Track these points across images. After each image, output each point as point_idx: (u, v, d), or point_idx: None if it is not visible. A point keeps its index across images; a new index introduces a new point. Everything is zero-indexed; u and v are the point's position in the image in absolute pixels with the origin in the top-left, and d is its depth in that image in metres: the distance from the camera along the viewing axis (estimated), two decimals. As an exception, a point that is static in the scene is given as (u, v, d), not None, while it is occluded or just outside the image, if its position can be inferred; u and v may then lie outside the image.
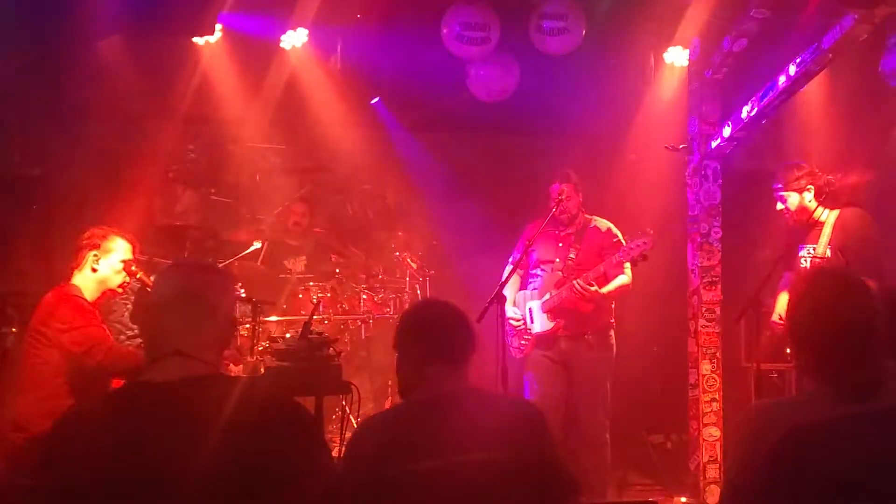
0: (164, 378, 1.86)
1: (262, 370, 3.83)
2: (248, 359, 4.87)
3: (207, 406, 1.81)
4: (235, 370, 4.35)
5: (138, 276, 4.18)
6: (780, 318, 5.16)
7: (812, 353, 2.08)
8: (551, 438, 2.48)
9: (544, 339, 5.29)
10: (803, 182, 4.91)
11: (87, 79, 6.27)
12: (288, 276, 6.70)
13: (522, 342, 5.37)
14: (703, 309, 5.86)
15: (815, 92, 5.91)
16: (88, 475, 1.73)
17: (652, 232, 4.91)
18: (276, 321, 5.93)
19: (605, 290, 5.19)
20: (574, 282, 5.10)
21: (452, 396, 2.45)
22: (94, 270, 4.09)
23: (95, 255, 4.09)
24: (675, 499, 5.68)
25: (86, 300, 4.01)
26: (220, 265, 6.06)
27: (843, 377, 2.01)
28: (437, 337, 2.55)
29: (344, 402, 5.12)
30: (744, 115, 5.43)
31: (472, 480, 2.28)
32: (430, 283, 7.07)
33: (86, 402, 1.98)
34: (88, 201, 6.22)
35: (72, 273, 4.10)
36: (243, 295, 5.82)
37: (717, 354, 5.86)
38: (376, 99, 7.49)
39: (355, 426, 5.61)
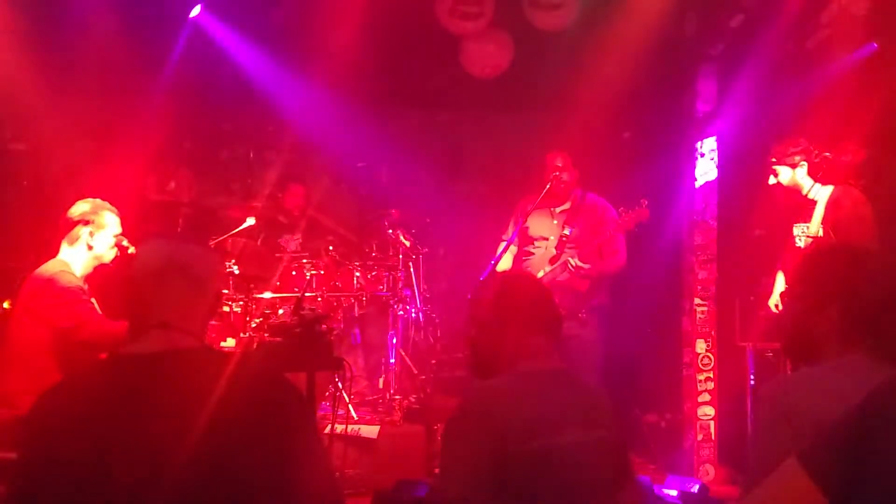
0: (149, 350, 1.82)
1: (255, 345, 3.82)
2: (241, 334, 4.85)
3: (195, 378, 1.77)
4: (228, 345, 4.33)
5: (130, 250, 4.13)
6: (776, 305, 5.14)
7: (862, 322, 2.10)
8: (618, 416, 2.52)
9: (538, 317, 5.26)
10: (797, 158, 4.91)
11: (77, 52, 6.21)
12: (282, 253, 6.67)
13: (516, 320, 5.33)
14: (699, 287, 5.85)
15: (814, 67, 5.86)
16: (71, 450, 1.69)
17: (646, 202, 4.89)
18: (270, 298, 5.90)
19: (599, 267, 5.16)
20: (568, 259, 5.07)
21: (559, 372, 2.46)
22: (90, 247, 4.03)
23: (90, 232, 4.03)
24: (669, 477, 5.68)
25: (74, 275, 3.97)
26: (214, 241, 6.04)
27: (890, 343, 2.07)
28: (544, 308, 2.53)
29: (337, 379, 5.11)
30: (740, 91, 5.39)
31: (593, 455, 2.32)
32: (423, 260, 7.05)
33: (69, 376, 1.93)
34: (80, 177, 6.18)
35: (60, 247, 4.04)
36: (237, 271, 5.80)
37: (712, 333, 5.86)
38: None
39: (346, 399, 5.66)
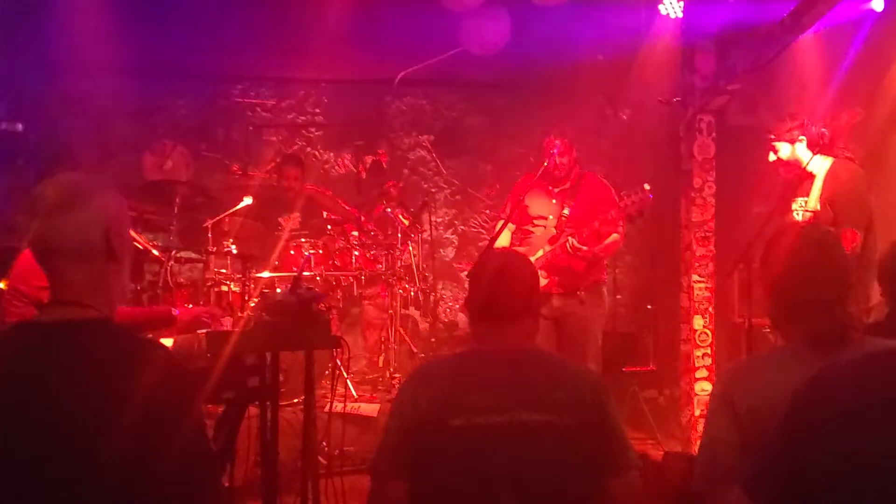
0: (45, 319, 1.85)
1: (252, 325, 3.81)
2: (239, 314, 4.86)
3: (77, 348, 1.78)
4: (226, 324, 4.33)
5: None
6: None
7: (787, 306, 2.22)
8: (613, 407, 2.37)
9: (537, 296, 5.26)
10: (795, 133, 4.90)
11: (73, 33, 6.18)
12: (281, 232, 6.66)
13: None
14: (696, 264, 5.85)
15: (810, 42, 5.84)
16: None
17: (648, 188, 4.86)
18: (268, 277, 5.90)
19: (597, 248, 5.14)
20: (567, 239, 5.06)
21: (517, 353, 2.39)
22: None
23: None
24: (666, 452, 5.71)
25: None
26: (211, 221, 6.03)
27: (815, 329, 2.14)
28: (494, 296, 2.44)
29: (337, 357, 5.12)
30: (738, 67, 5.37)
31: (536, 440, 2.22)
32: (422, 239, 7.05)
33: None
34: (77, 157, 6.17)
35: None
36: (234, 251, 5.80)
37: (710, 309, 5.87)
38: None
39: (346, 377, 5.68)
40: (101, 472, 1.67)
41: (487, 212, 8.05)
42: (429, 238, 7.26)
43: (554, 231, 5.25)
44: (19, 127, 5.82)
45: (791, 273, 2.20)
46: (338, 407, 4.92)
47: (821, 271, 2.17)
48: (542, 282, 5.21)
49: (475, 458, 2.21)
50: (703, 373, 5.83)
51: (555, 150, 5.19)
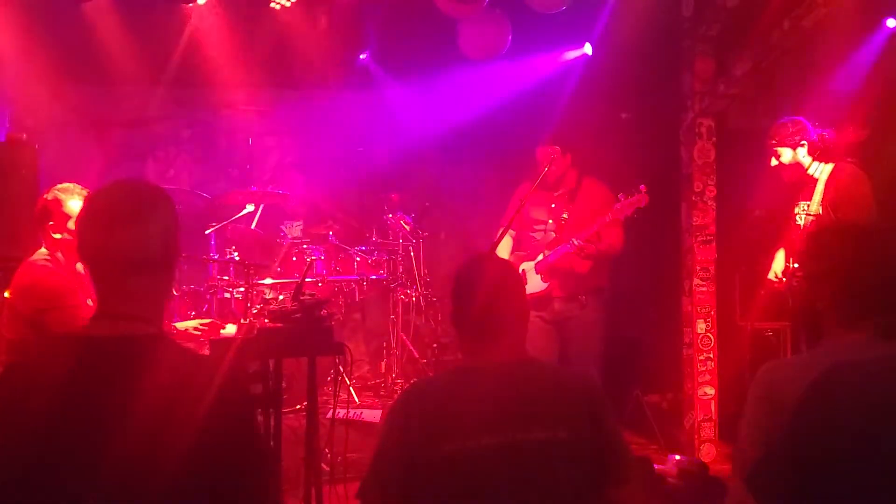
0: (100, 333, 1.74)
1: (255, 332, 3.82)
2: (242, 320, 4.87)
3: (138, 364, 1.68)
4: (229, 331, 4.34)
5: None
6: (776, 276, 5.15)
7: (863, 299, 2.12)
8: (609, 415, 2.29)
9: (538, 301, 5.27)
10: (797, 138, 4.91)
11: (77, 40, 6.21)
12: (283, 239, 6.69)
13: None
14: (698, 268, 5.85)
15: (809, 46, 5.84)
16: (16, 434, 1.64)
17: (645, 189, 4.89)
18: (270, 284, 5.92)
19: (600, 248, 5.16)
20: (572, 240, 5.08)
21: (508, 367, 2.29)
22: (56, 242, 3.86)
23: (52, 225, 3.85)
24: (670, 456, 5.71)
25: (63, 269, 3.84)
26: (213, 228, 6.05)
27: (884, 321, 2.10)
28: (492, 310, 2.31)
29: (338, 363, 5.13)
30: (738, 71, 5.38)
31: (531, 461, 2.14)
32: (423, 244, 7.06)
33: (24, 358, 1.87)
34: (80, 166, 6.18)
35: (41, 244, 3.92)
36: (237, 258, 5.82)
37: (712, 313, 5.86)
38: (364, 55, 7.41)
39: (348, 383, 5.70)
40: (160, 495, 1.60)
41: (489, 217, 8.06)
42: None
43: (553, 235, 5.27)
44: (22, 136, 5.83)
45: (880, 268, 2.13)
46: (340, 413, 4.93)
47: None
48: (543, 285, 5.24)
49: (470, 483, 2.12)
50: (705, 377, 5.82)
51: (549, 158, 5.21)
